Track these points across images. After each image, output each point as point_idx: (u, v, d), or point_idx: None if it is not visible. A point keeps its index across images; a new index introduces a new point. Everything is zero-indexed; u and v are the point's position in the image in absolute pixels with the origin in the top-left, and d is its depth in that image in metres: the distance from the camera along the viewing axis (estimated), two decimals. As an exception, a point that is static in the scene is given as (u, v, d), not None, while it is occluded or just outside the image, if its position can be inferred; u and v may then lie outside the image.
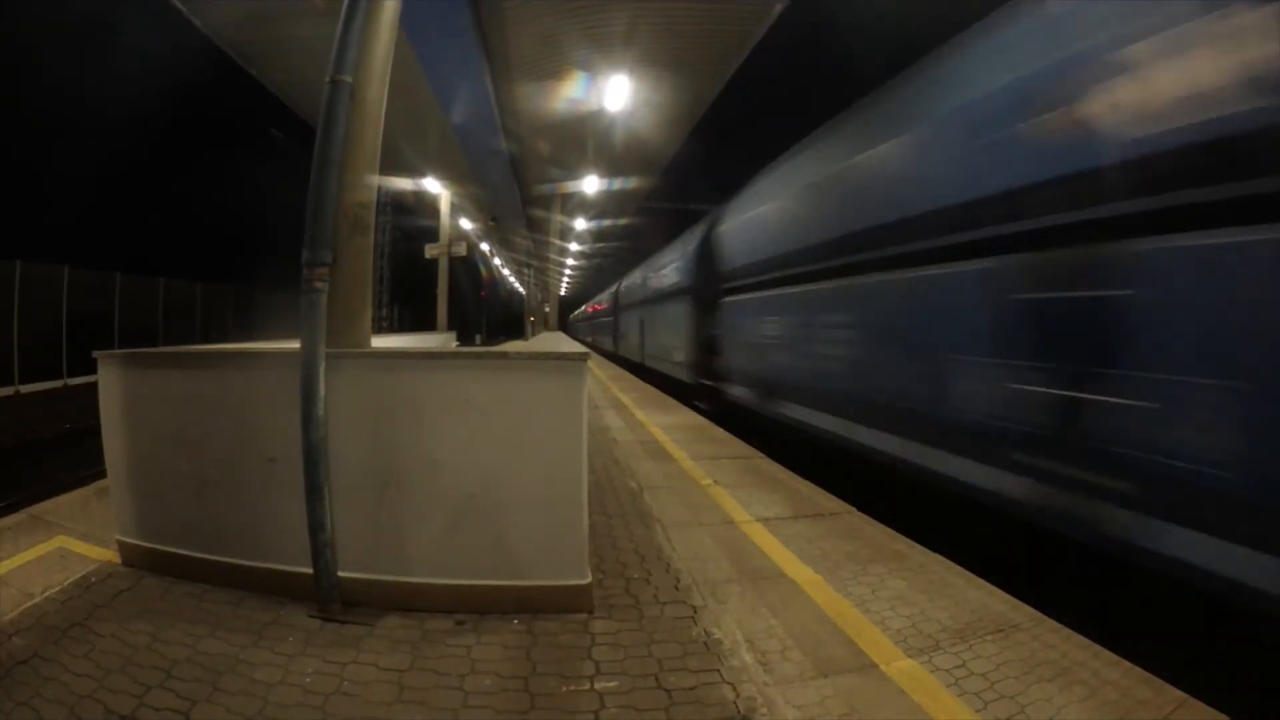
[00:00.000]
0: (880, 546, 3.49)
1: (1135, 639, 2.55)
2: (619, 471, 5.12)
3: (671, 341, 13.02)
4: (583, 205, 25.30)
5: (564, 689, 2.15)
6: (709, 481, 4.85)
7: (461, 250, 18.03)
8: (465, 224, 23.99)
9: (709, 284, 9.75)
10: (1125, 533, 2.85)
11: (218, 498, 2.91)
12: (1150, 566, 2.76)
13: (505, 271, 48.60)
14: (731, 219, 9.06)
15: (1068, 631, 2.54)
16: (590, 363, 2.78)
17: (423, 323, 26.91)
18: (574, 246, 34.96)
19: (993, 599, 2.85)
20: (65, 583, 2.83)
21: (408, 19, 5.17)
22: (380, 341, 4.71)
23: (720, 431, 7.20)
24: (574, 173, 18.80)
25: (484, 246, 33.34)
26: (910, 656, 2.37)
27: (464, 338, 30.32)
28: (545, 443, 2.68)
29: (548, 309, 38.88)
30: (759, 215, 7.83)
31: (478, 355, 3.31)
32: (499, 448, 2.69)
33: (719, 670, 2.26)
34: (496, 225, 29.58)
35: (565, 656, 2.34)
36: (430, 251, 17.59)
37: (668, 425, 7.54)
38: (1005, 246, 3.58)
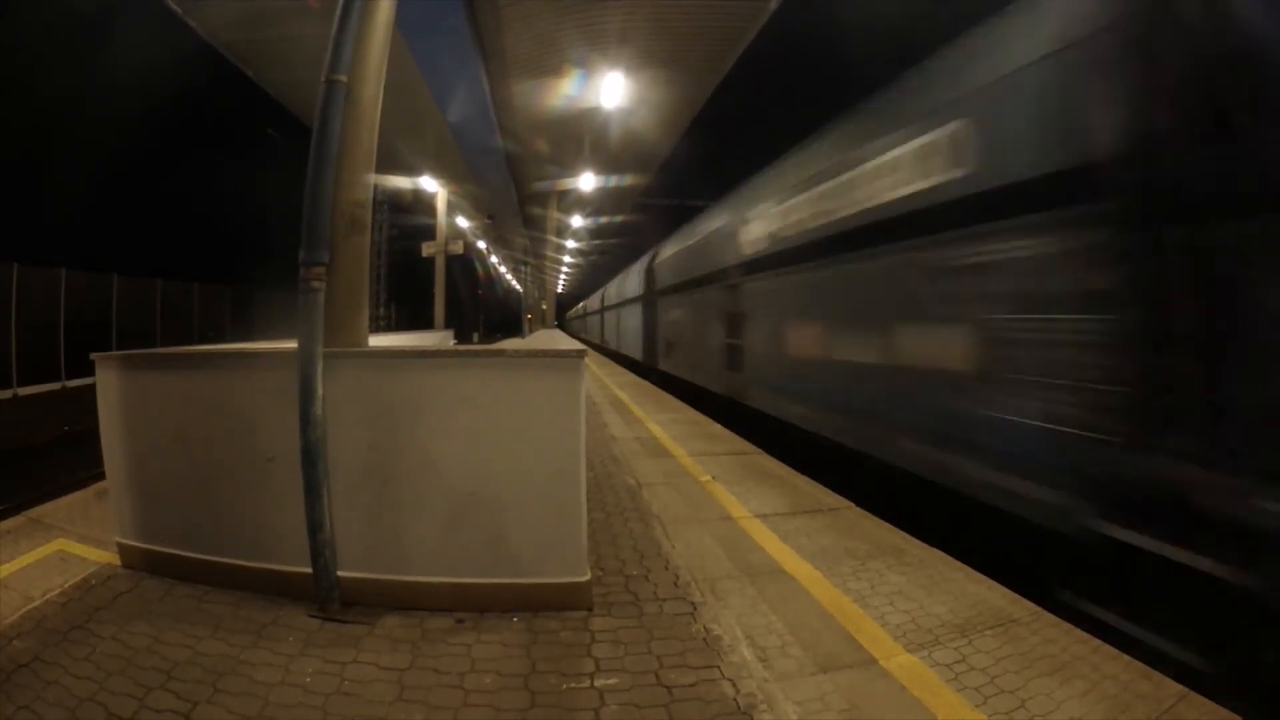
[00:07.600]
0: (879, 542, 3.50)
1: (1134, 628, 2.56)
2: (617, 468, 5.12)
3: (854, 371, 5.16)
4: (579, 202, 25.28)
5: (564, 686, 2.15)
6: (707, 478, 4.86)
7: (458, 248, 18.02)
8: (462, 222, 23.96)
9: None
10: None
11: (217, 499, 2.90)
12: None
13: (502, 269, 48.56)
14: None
15: (1067, 626, 2.55)
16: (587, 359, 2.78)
17: (420, 321, 26.90)
18: (570, 244, 34.95)
19: (992, 594, 2.86)
20: (65, 585, 2.83)
21: (403, 18, 5.15)
22: (377, 340, 4.70)
23: (718, 428, 7.21)
24: (570, 170, 18.79)
25: (481, 245, 33.30)
26: (910, 652, 2.38)
27: (461, 336, 30.29)
28: (544, 440, 2.68)
29: (544, 306, 38.89)
30: None
31: (475, 353, 3.30)
32: (497, 445, 2.69)
33: (719, 666, 2.26)
34: (493, 223, 29.55)
35: (565, 654, 2.34)
36: (427, 250, 17.57)
37: (665, 421, 7.55)
38: None
